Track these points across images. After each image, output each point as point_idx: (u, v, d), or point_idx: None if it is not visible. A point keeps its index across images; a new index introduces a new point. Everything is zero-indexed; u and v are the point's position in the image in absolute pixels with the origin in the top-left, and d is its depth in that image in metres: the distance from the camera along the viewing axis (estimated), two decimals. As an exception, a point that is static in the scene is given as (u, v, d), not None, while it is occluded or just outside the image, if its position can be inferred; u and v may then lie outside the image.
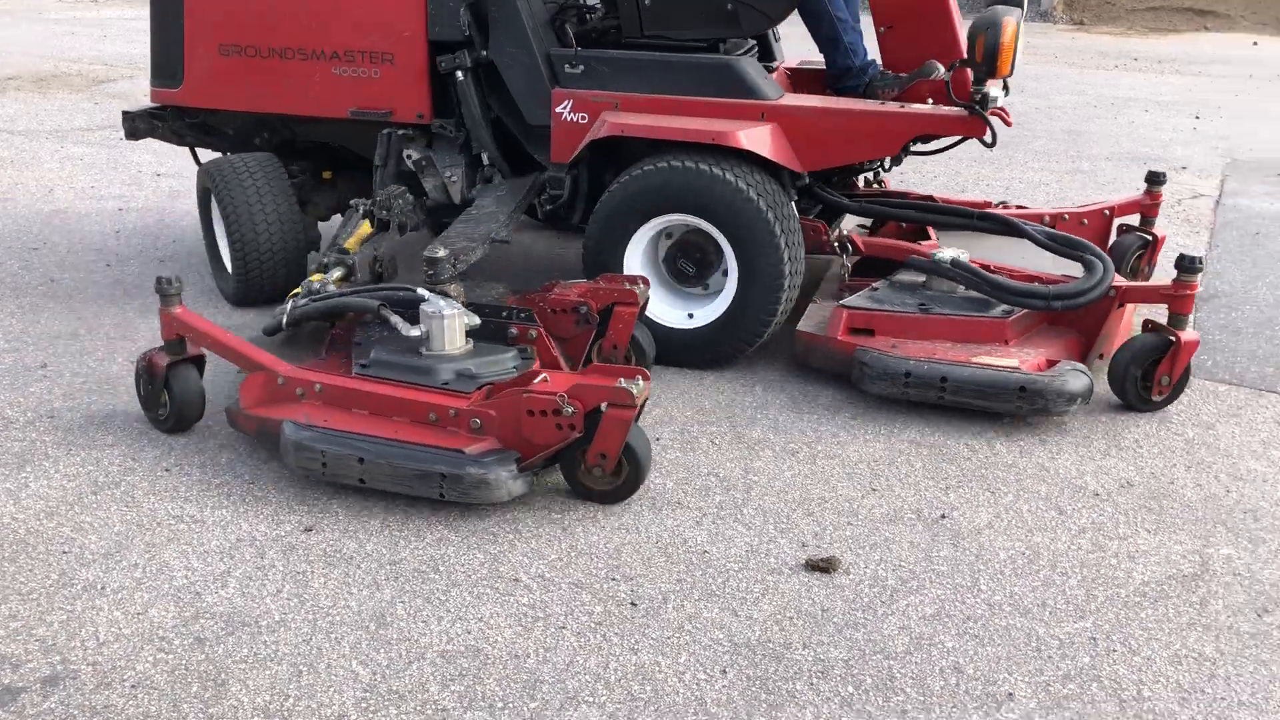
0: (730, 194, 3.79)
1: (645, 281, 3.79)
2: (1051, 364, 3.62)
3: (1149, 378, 3.71)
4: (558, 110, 4.12)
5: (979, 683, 2.45)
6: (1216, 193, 6.66)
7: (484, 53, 4.20)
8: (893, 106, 3.99)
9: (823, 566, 2.86)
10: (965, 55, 3.92)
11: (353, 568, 2.84)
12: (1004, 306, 3.85)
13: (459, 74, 4.23)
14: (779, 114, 3.92)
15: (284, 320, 3.71)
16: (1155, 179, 4.73)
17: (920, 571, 2.86)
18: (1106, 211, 4.73)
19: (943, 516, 3.12)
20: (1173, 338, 3.65)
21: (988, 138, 3.90)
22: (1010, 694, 2.42)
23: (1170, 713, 2.37)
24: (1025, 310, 3.82)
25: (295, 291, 3.86)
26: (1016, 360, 3.63)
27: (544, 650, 2.53)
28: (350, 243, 4.15)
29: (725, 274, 3.97)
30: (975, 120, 3.86)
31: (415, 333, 3.41)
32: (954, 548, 2.97)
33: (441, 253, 3.62)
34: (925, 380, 3.60)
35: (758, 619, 2.66)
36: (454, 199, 4.43)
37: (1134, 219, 4.76)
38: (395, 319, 3.47)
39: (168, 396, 3.48)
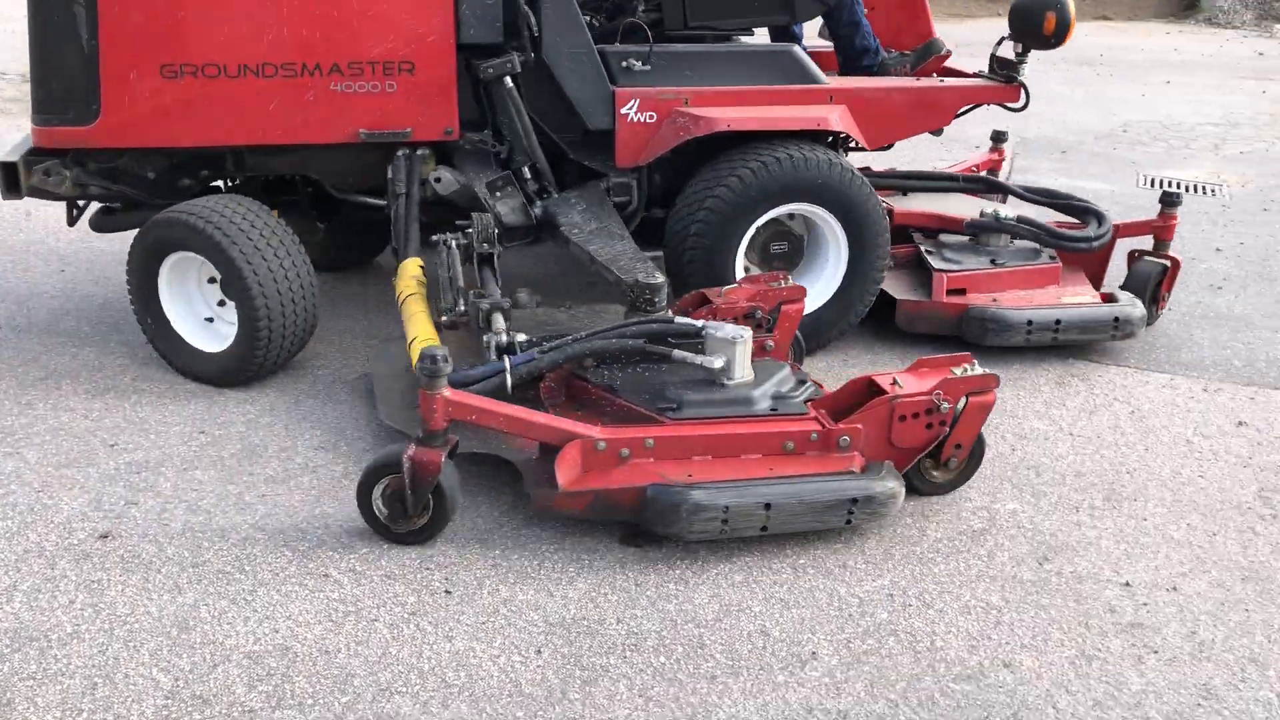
0: (842, 177, 3.87)
1: (786, 276, 3.57)
2: (1108, 298, 4.27)
3: (1155, 298, 4.42)
4: (623, 111, 3.85)
5: (784, 644, 2.55)
6: (1008, 171, 7.04)
7: (533, 55, 3.80)
8: (946, 81, 4.37)
9: (636, 543, 2.91)
10: (1013, 31, 4.38)
11: (152, 573, 2.73)
12: (1049, 252, 4.38)
13: (506, 80, 3.80)
14: (844, 96, 4.04)
15: (510, 384, 3.01)
16: (999, 138, 5.51)
17: (730, 540, 2.94)
18: (974, 168, 5.42)
19: (752, 487, 3.21)
20: (1168, 261, 4.41)
21: (1019, 104, 4.44)
22: (814, 653, 2.52)
23: (960, 660, 2.52)
24: (1059, 254, 4.39)
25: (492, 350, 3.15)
26: (1090, 296, 4.28)
27: (355, 644, 2.50)
28: (464, 283, 3.46)
29: (805, 257, 4.08)
30: (1014, 88, 4.38)
31: (719, 364, 3.05)
32: (763, 517, 3.06)
33: (659, 279, 3.37)
34: (1044, 326, 4.08)
35: (573, 598, 2.69)
36: (531, 219, 3.92)
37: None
38: (689, 355, 3.08)
39: (434, 500, 2.83)
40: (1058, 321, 4.07)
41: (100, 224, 4.03)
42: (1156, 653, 2.56)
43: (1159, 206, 4.48)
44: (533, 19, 3.76)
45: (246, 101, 3.61)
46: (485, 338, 3.19)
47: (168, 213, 3.62)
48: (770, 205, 3.87)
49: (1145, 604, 2.74)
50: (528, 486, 2.95)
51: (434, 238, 3.64)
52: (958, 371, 3.01)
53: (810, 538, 2.95)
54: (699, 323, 3.16)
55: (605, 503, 2.83)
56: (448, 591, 2.69)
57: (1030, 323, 4.05)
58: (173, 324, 3.72)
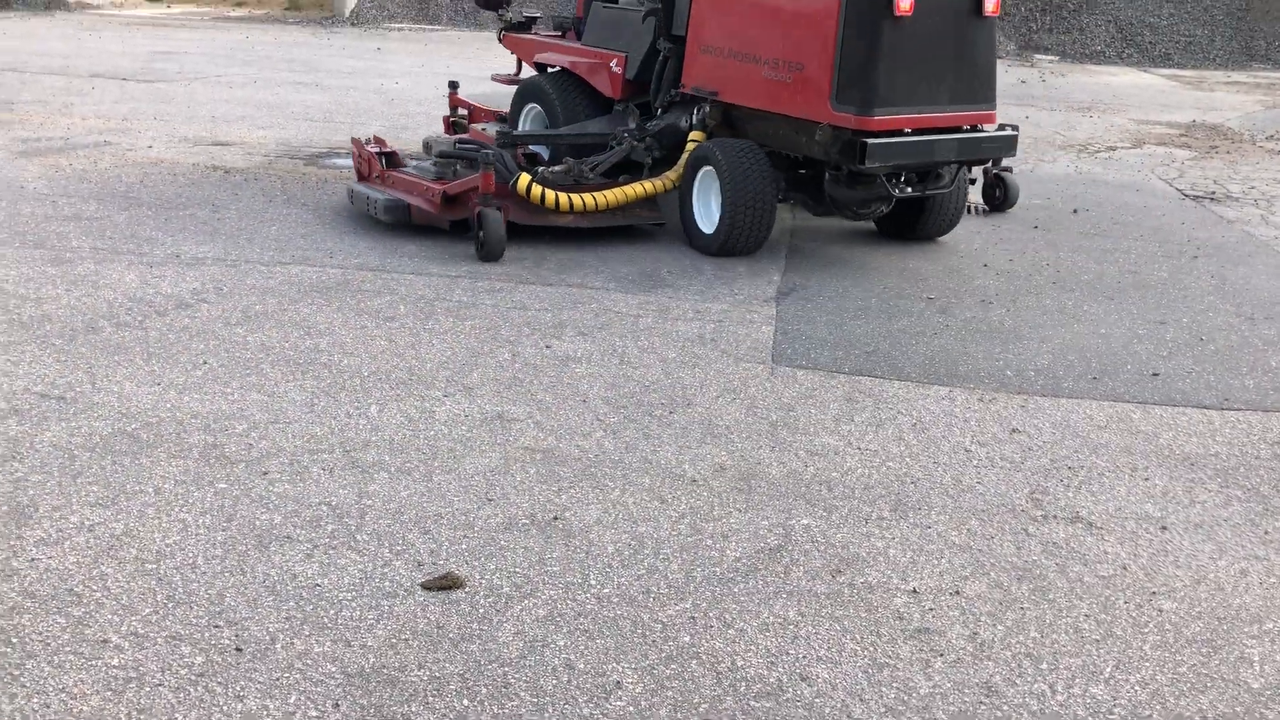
0: None
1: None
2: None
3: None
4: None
5: (589, 675, 2.55)
6: (796, 195, 7.31)
7: None
8: None
9: (440, 585, 2.86)
10: None
11: (-96, 654, 2.51)
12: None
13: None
14: None
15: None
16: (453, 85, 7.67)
17: (534, 575, 2.93)
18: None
19: (555, 518, 3.22)
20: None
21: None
22: (619, 682, 2.53)
23: (760, 677, 2.58)
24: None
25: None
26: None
27: (138, 713, 2.36)
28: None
29: None
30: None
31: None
32: (566, 547, 3.07)
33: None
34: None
35: (372, 646, 2.62)
36: None
37: None
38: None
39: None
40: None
41: None
42: (942, 655, 2.69)
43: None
44: None
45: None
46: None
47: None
48: None
49: (931, 609, 2.88)
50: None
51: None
52: None
53: (615, 566, 2.98)
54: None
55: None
56: (238, 649, 2.58)
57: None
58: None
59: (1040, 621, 2.84)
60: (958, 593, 2.96)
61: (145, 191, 6.63)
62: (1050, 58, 16.31)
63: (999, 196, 7.03)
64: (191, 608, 2.72)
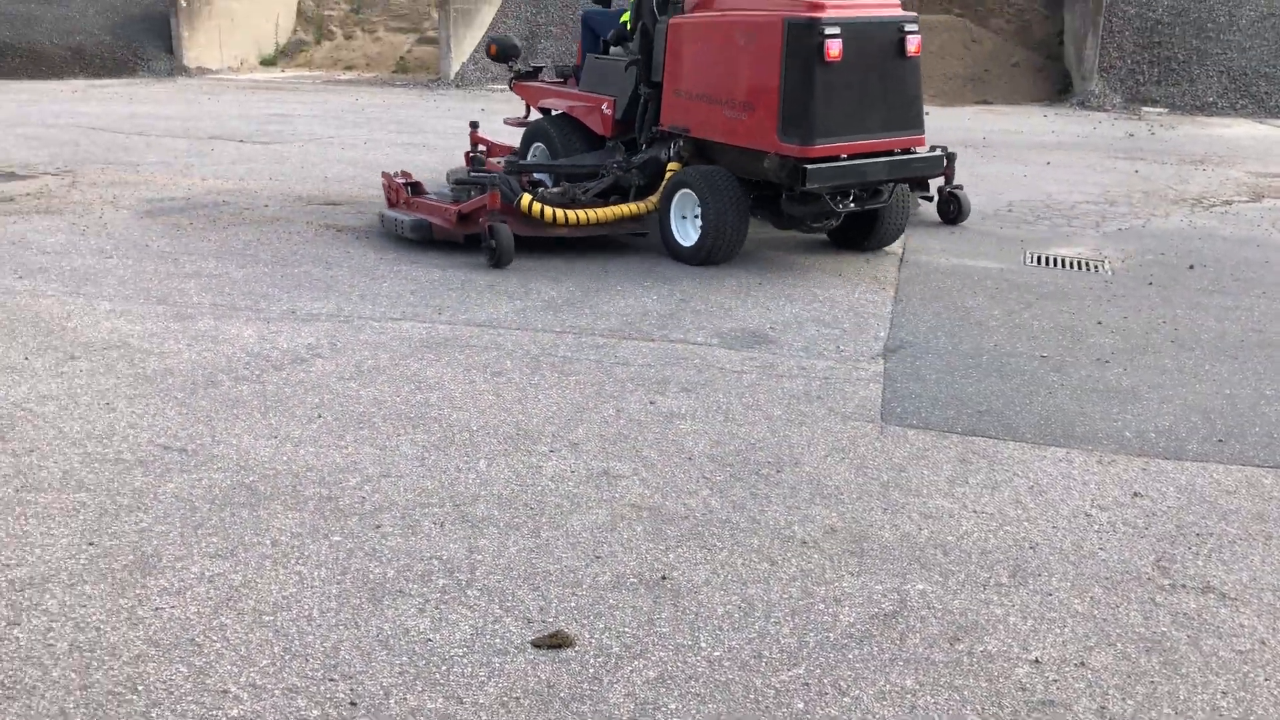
0: None
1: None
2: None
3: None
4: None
5: (702, 741, 2.50)
6: (900, 250, 7.24)
7: None
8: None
9: (551, 643, 2.85)
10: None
11: (35, 698, 2.58)
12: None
13: None
14: None
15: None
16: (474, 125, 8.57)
17: (644, 636, 2.91)
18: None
19: (663, 578, 3.19)
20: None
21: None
22: (732, 748, 2.48)
23: (878, 747, 2.50)
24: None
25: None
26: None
27: (256, 765, 2.38)
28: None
29: None
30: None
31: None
32: (675, 608, 3.04)
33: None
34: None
35: (484, 704, 2.61)
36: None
37: None
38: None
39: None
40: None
41: None
42: (1068, 730, 2.58)
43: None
44: None
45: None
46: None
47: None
48: None
49: (1055, 680, 2.77)
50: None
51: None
52: None
53: (726, 629, 2.93)
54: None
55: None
56: (352, 703, 2.60)
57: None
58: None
59: (1174, 697, 2.71)
60: (1083, 664, 2.84)
61: (262, 249, 6.86)
62: (1159, 110, 15.97)
63: (953, 211, 7.97)
64: (308, 660, 2.76)
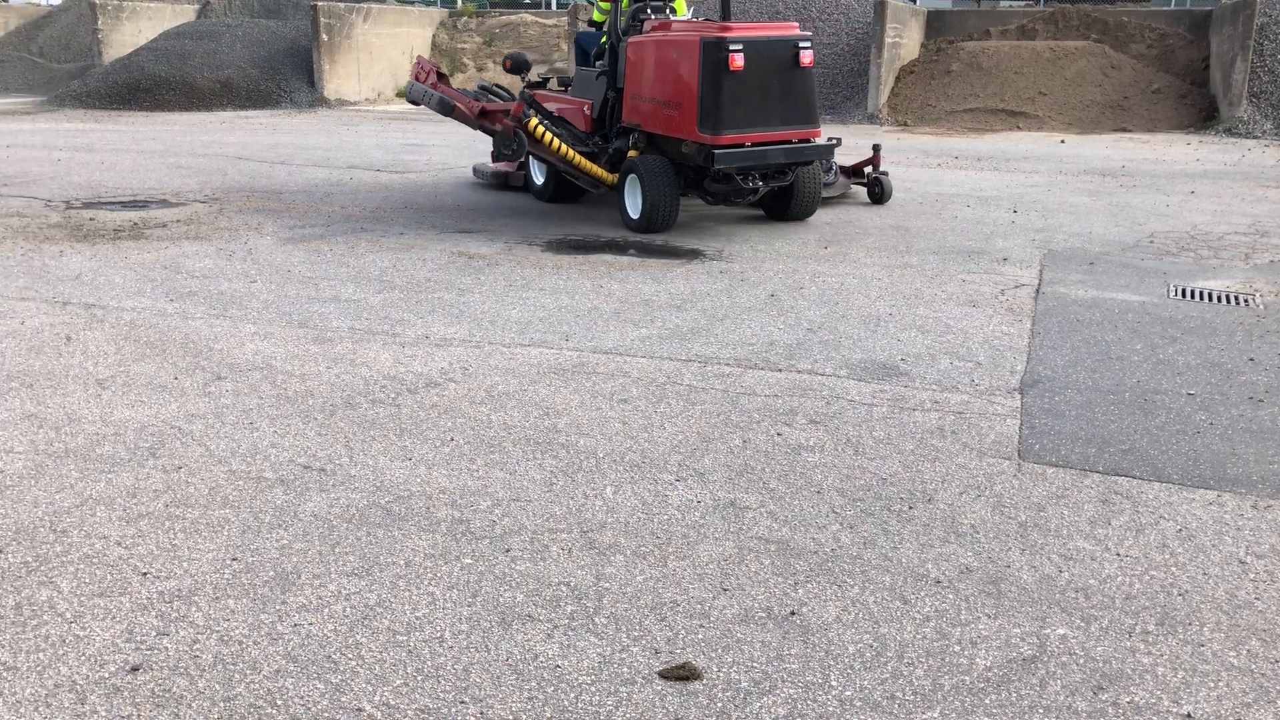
0: None
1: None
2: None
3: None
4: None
5: (833, 783, 2.45)
6: (1036, 282, 7.04)
7: None
8: None
9: (679, 675, 2.83)
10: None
11: (183, 707, 2.67)
12: None
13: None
14: None
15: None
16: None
17: (773, 671, 2.86)
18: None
19: (792, 613, 3.14)
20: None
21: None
22: (864, 792, 2.42)
23: (1018, 799, 2.41)
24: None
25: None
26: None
27: (389, 784, 2.42)
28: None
29: None
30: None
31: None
32: (805, 644, 2.99)
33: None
34: None
35: (612, 733, 2.61)
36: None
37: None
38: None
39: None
40: None
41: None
42: (1225, 791, 2.44)
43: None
44: None
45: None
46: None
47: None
48: None
49: (1209, 737, 2.63)
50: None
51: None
52: None
53: (857, 668, 2.87)
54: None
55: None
56: (484, 727, 2.62)
57: None
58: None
59: (1341, 762, 2.54)
60: (1240, 721, 2.69)
61: (397, 276, 7.05)
62: (1313, 136, 15.22)
63: (877, 192, 10.06)
64: (439, 681, 2.79)
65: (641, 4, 8.96)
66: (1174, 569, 3.42)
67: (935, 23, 21.24)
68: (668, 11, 9.10)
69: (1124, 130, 16.95)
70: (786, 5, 21.03)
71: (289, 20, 23.85)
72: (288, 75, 21.22)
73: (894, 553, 3.50)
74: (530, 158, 9.81)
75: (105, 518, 3.66)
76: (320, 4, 20.92)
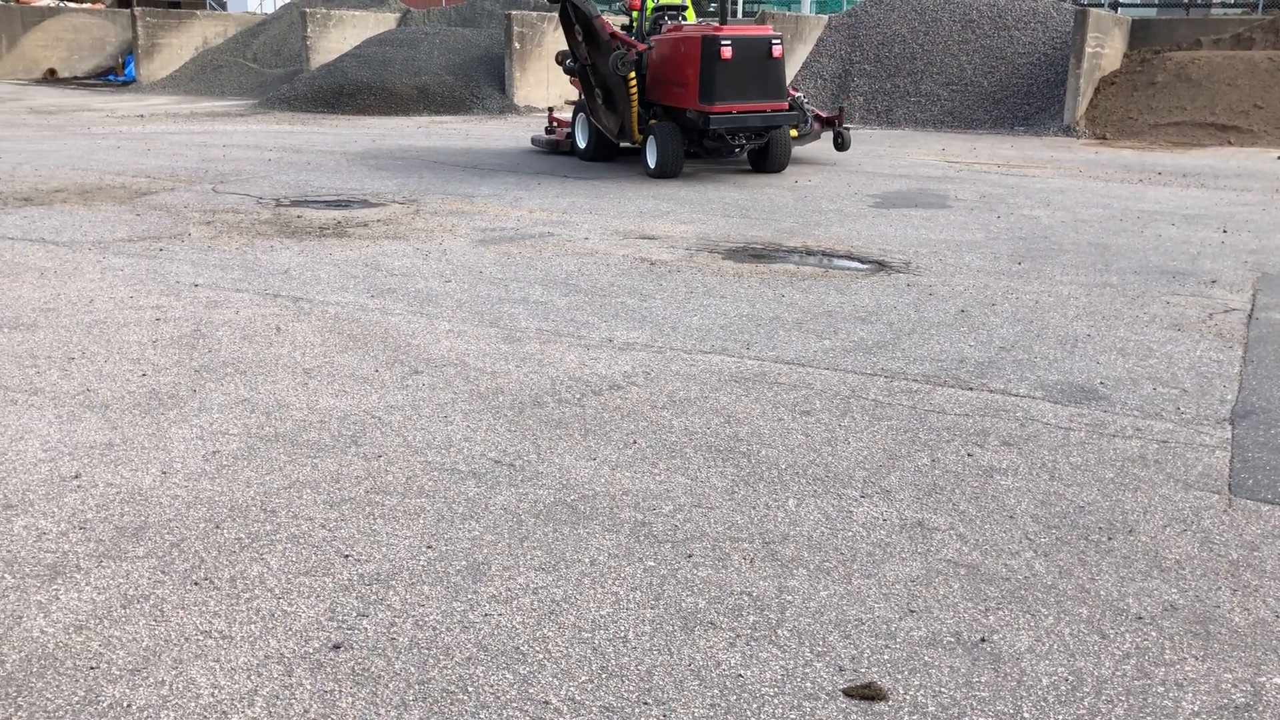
0: None
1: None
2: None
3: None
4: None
5: (1026, 819, 2.36)
6: (1249, 306, 6.63)
7: None
8: None
9: (864, 694, 2.78)
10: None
11: (380, 687, 2.79)
12: None
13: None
14: None
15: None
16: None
17: (961, 699, 2.78)
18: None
19: (983, 640, 3.05)
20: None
21: None
22: (1059, 832, 2.32)
23: None
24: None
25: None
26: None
27: (575, 778, 2.46)
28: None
29: None
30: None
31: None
32: (995, 673, 2.89)
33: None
34: None
35: (795, 747, 2.58)
36: None
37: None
38: None
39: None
40: None
41: None
42: None
43: None
44: None
45: None
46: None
47: None
48: None
49: None
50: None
51: None
52: None
53: (1051, 702, 2.76)
54: None
55: None
56: (667, 730, 2.64)
57: None
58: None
59: None
60: None
61: (582, 279, 7.19)
62: None
63: (840, 143, 13.63)
64: (624, 680, 2.83)
65: (660, 13, 12.74)
66: None
67: (1140, 32, 20.28)
68: (680, 18, 12.76)
69: (1349, 147, 15.76)
70: (981, 14, 20.47)
71: (483, 29, 24.66)
72: (480, 82, 21.93)
73: (1092, 584, 3.35)
74: (576, 124, 13.47)
75: (311, 500, 3.86)
76: (514, 13, 21.56)
